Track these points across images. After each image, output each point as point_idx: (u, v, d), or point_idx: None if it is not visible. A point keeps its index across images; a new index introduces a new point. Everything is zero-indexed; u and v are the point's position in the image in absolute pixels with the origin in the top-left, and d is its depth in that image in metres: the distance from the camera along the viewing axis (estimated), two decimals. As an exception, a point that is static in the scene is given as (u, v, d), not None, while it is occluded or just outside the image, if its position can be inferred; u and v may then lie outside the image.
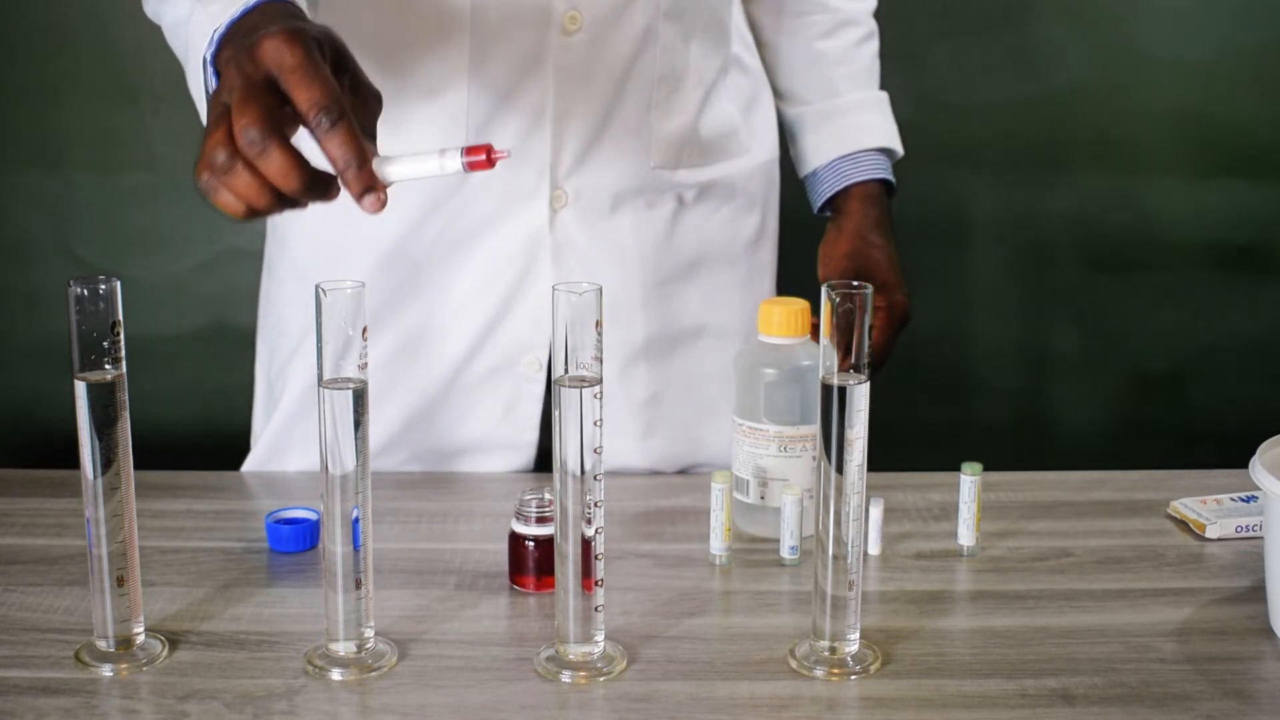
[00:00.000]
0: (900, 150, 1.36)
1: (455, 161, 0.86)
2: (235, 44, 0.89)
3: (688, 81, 1.22)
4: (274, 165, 0.82)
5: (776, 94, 1.37)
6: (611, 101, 1.18)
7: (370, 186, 0.84)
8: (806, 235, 1.38)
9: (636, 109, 1.19)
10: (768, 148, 1.33)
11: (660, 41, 1.19)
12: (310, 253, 1.25)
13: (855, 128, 1.34)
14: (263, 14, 0.92)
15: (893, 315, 1.29)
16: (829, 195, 1.34)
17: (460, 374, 1.23)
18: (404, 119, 1.16)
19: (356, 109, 0.86)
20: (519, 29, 1.15)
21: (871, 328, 1.28)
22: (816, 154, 1.35)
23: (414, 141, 1.11)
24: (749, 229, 1.31)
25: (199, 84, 0.97)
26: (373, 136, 0.88)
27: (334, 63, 0.87)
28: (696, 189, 1.25)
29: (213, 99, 0.87)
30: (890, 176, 1.34)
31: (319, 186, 0.85)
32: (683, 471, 1.27)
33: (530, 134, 1.17)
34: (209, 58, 0.93)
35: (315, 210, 1.21)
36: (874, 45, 1.37)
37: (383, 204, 0.85)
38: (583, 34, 1.15)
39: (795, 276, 1.42)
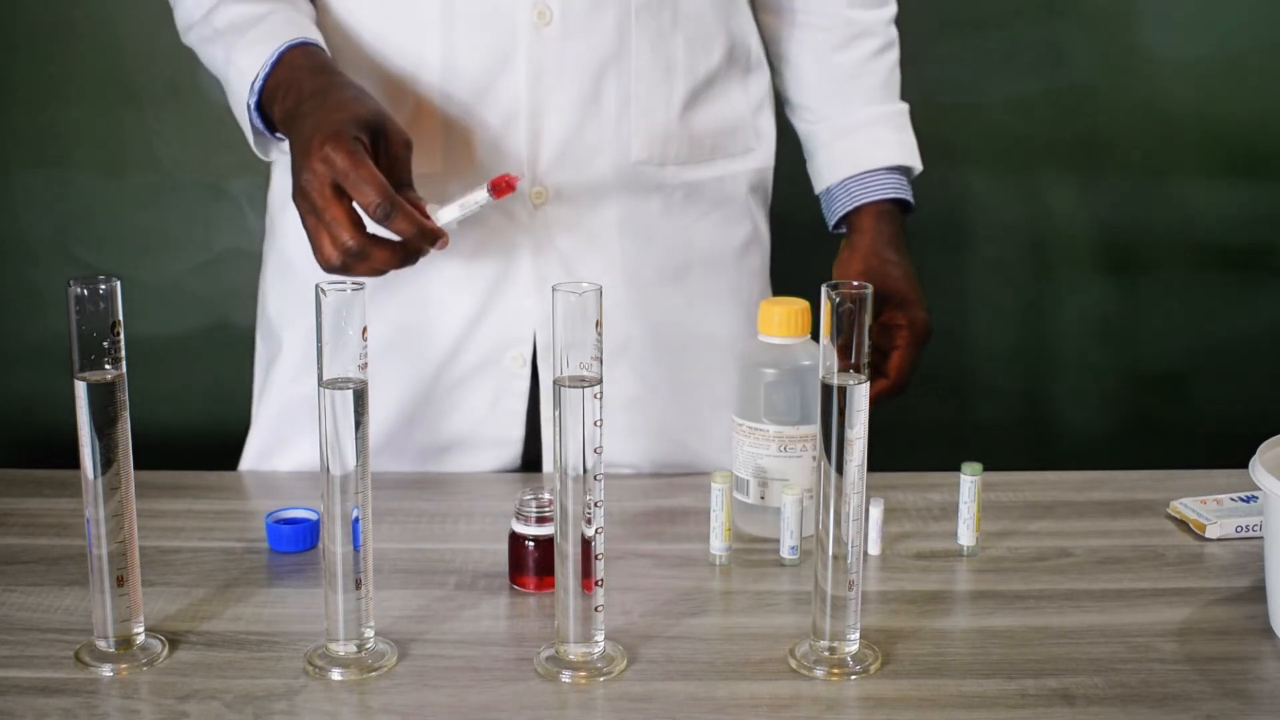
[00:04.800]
0: (918, 166, 1.33)
1: (483, 194, 1.08)
2: (286, 115, 1.08)
3: (674, 75, 1.21)
4: (378, 259, 1.04)
5: (790, 106, 1.36)
6: (589, 96, 1.18)
7: (432, 238, 1.05)
8: (802, 236, 1.38)
9: (616, 103, 1.19)
10: (766, 153, 1.31)
11: (636, 36, 1.18)
12: (298, 248, 1.25)
13: (868, 145, 1.31)
14: (293, 69, 1.09)
15: (914, 332, 1.27)
16: (842, 214, 1.32)
17: (444, 371, 1.23)
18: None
19: (393, 164, 1.05)
20: (488, 23, 1.15)
21: (895, 348, 1.27)
22: (830, 172, 1.33)
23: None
24: (739, 235, 1.29)
25: (245, 124, 1.14)
26: (409, 179, 1.06)
27: (371, 135, 1.04)
28: (685, 188, 1.24)
29: (295, 191, 1.04)
30: (904, 195, 1.32)
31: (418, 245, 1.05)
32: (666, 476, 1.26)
33: (506, 129, 1.17)
34: (252, 105, 1.11)
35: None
36: (892, 56, 1.33)
37: (446, 243, 1.06)
38: (553, 28, 1.15)
39: (797, 277, 1.41)
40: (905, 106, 1.34)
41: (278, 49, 1.10)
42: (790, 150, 1.37)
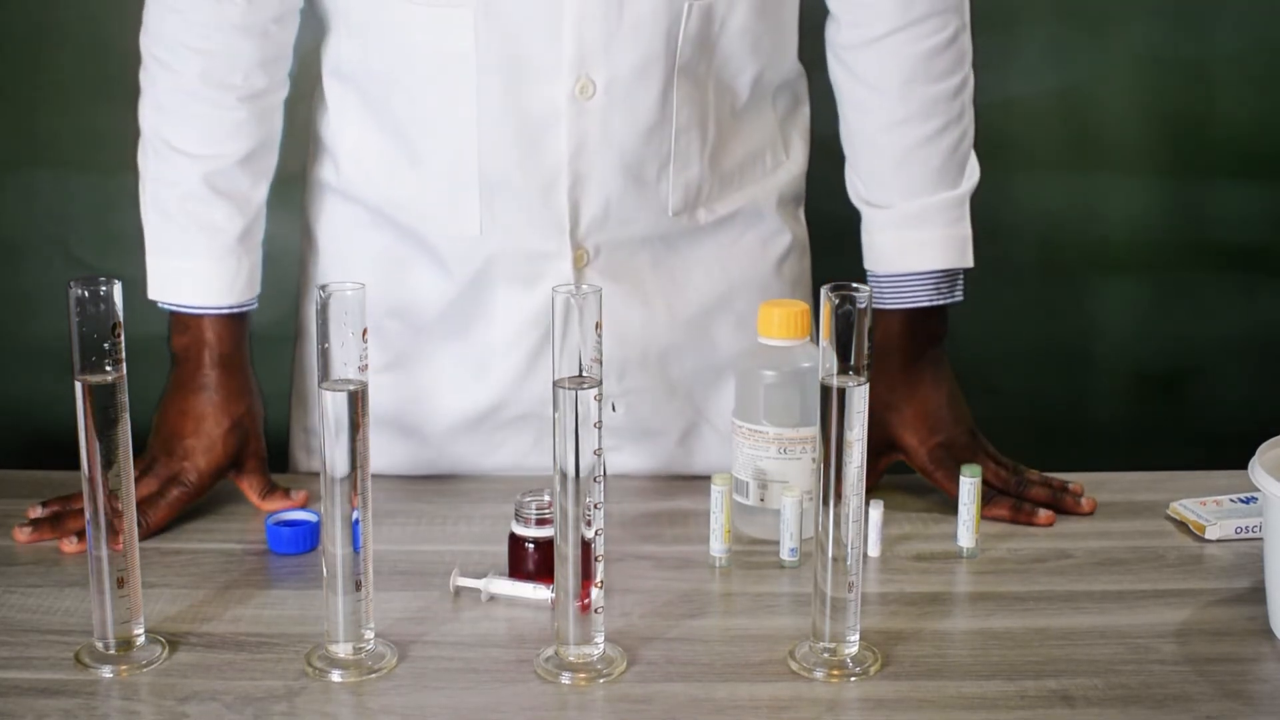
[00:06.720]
0: (965, 263, 1.21)
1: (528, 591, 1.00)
2: (176, 379, 1.22)
3: (707, 123, 1.16)
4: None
5: (846, 166, 1.22)
6: (631, 162, 1.14)
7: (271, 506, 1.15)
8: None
9: (655, 165, 1.15)
10: (796, 160, 1.26)
11: (678, 98, 1.14)
12: (338, 254, 1.24)
13: (904, 247, 1.19)
14: (198, 341, 1.20)
15: (933, 478, 1.16)
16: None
17: (503, 407, 1.21)
18: (420, 187, 1.16)
19: (246, 489, 1.16)
20: (527, 93, 1.12)
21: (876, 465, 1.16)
22: (868, 263, 1.21)
23: (430, 202, 1.16)
24: (777, 249, 1.24)
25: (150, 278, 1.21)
26: (265, 490, 1.16)
27: (225, 468, 1.15)
28: (716, 222, 1.20)
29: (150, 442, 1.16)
30: (935, 301, 1.19)
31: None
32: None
33: (546, 197, 1.14)
34: (159, 302, 1.20)
35: (349, 267, 1.22)
36: (954, 134, 1.18)
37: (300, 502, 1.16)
38: (596, 100, 1.11)
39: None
40: (965, 190, 1.21)
41: (196, 309, 1.19)
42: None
